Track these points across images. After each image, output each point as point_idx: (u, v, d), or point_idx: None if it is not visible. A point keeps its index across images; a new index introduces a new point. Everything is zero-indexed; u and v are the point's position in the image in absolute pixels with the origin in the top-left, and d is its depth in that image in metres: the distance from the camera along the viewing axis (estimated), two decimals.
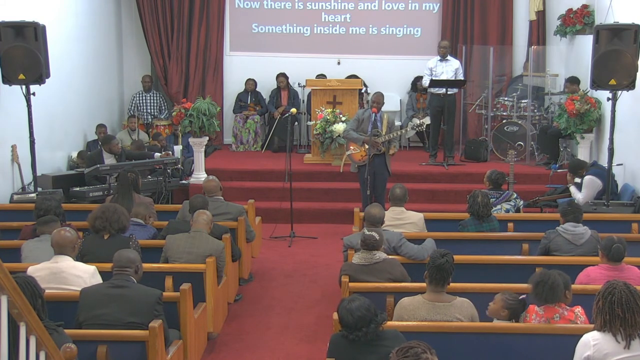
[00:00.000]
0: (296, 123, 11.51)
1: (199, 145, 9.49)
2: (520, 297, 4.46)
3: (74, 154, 9.82)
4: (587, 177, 7.89)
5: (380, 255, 5.20)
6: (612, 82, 7.42)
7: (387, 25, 12.07)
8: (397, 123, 10.99)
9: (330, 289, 6.81)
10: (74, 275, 4.81)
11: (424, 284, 4.57)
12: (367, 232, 5.18)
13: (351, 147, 8.36)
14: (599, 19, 9.59)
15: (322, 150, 10.24)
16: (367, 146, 8.08)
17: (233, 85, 12.07)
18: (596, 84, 7.55)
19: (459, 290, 4.74)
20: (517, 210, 7.18)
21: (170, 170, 9.04)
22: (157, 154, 9.54)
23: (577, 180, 8.05)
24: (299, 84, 11.73)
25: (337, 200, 9.42)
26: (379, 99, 8.21)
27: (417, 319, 4.39)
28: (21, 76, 7.55)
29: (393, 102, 11.90)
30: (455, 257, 4.58)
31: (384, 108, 8.39)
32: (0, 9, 7.85)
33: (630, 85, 7.45)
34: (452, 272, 4.44)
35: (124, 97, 12.35)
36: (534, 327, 4.33)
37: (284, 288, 7.03)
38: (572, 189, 8.02)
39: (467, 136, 11.41)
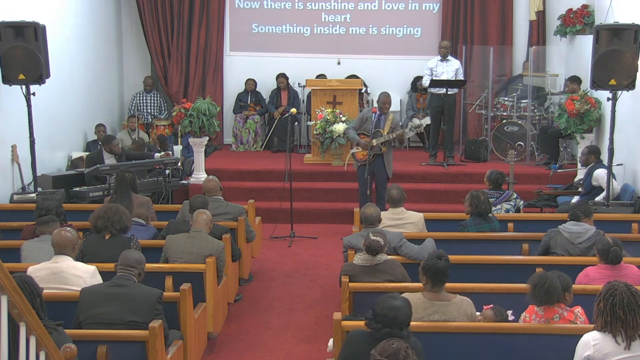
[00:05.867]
0: (296, 123, 11.50)
1: (199, 145, 9.49)
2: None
3: (74, 154, 9.82)
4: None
5: (382, 256, 5.20)
6: (612, 82, 7.40)
7: (387, 25, 12.06)
8: None
9: (330, 289, 6.81)
10: (74, 275, 4.82)
11: None
12: (372, 237, 5.14)
13: (355, 146, 8.36)
14: (599, 19, 9.58)
15: (322, 151, 10.24)
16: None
17: (233, 85, 12.06)
18: (596, 84, 7.55)
19: (459, 290, 4.72)
20: (517, 210, 7.18)
21: (170, 170, 9.03)
22: (157, 154, 9.54)
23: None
24: (299, 84, 11.72)
25: (337, 200, 9.42)
26: (387, 99, 8.20)
27: (415, 317, 4.31)
28: (21, 76, 7.54)
29: (393, 102, 11.78)
30: (456, 257, 4.59)
31: None
32: (0, 9, 7.85)
33: (630, 85, 7.45)
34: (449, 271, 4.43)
35: (124, 97, 12.35)
36: (534, 327, 4.33)
37: (284, 288, 7.03)
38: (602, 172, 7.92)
39: (467, 136, 11.40)
